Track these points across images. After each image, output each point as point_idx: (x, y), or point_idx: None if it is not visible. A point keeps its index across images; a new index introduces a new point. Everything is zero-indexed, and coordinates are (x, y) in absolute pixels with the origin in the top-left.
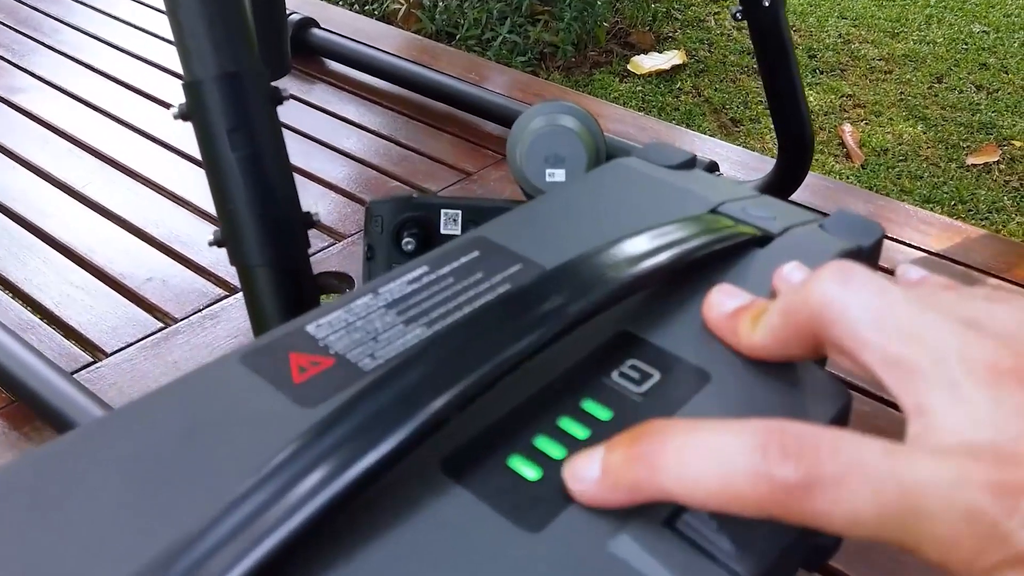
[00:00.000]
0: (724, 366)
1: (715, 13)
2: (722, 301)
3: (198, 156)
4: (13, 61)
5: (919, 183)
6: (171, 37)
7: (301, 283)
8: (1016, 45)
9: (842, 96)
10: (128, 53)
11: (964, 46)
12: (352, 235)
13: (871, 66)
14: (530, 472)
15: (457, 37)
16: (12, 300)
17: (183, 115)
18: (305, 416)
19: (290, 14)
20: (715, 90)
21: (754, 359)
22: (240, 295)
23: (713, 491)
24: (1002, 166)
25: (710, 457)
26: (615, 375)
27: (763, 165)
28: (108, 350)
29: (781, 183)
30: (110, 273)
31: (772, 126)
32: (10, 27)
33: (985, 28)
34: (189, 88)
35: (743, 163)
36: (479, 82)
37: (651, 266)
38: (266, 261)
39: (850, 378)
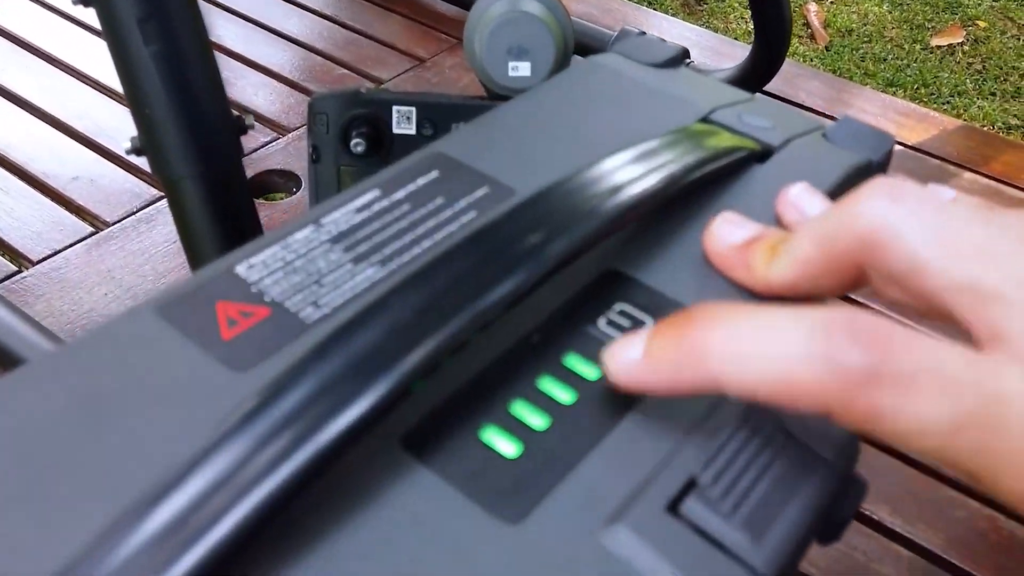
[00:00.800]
0: None
1: None
2: (728, 231)
3: None
4: None
5: (883, 66)
6: None
7: (235, 196)
8: None
9: None
10: None
11: None
12: (296, 128)
13: None
14: (507, 447)
15: None
16: None
17: None
18: (238, 383)
19: None
20: None
21: (767, 297)
22: None
23: (766, 375)
24: (966, 47)
25: (766, 338)
26: (601, 323)
27: (734, 51)
28: (34, 258)
29: (755, 72)
30: (31, 172)
31: (735, 5)
32: None
33: None
34: None
35: (712, 48)
36: None
37: (643, 192)
38: (192, 173)
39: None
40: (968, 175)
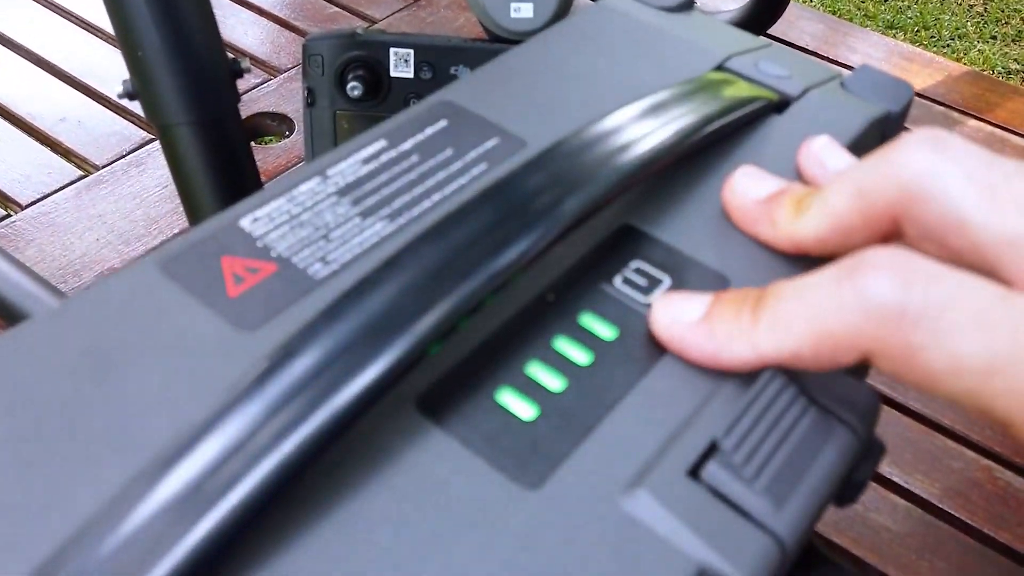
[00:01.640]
0: (745, 267)
1: None
2: (750, 185)
3: None
4: None
5: (883, 8)
6: None
7: (232, 142)
8: None
9: None
10: None
11: None
12: (288, 69)
13: None
14: (524, 410)
15: None
16: None
17: None
18: (246, 342)
19: None
20: None
21: (793, 254)
22: None
23: (804, 334)
24: None
25: (801, 297)
26: (618, 281)
27: None
28: (23, 202)
29: (759, 14)
30: (17, 113)
31: None
32: None
33: None
34: None
35: None
36: None
37: (661, 145)
38: (187, 119)
39: None
40: (973, 122)
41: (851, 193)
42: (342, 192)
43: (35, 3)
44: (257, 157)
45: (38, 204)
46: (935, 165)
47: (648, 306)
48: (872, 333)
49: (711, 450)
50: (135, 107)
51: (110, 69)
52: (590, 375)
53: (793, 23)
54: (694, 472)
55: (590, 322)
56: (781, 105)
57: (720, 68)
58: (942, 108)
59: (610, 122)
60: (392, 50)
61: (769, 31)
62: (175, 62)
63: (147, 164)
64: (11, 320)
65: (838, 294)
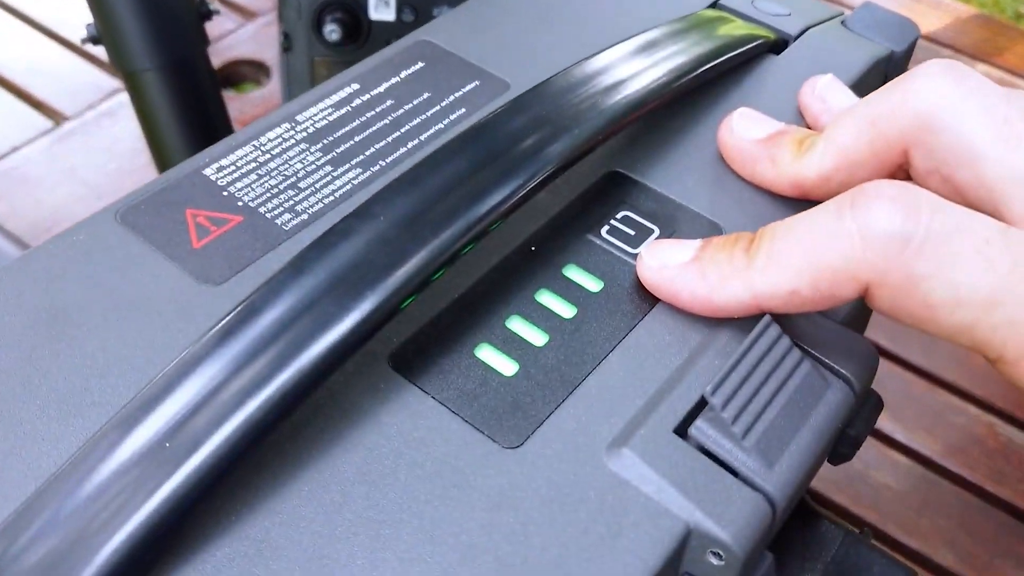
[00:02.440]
0: (739, 215)
1: None
2: (749, 126)
3: None
4: None
5: None
6: None
7: (202, 88)
8: None
9: None
10: None
11: None
12: (266, 13)
13: None
14: (504, 365)
15: None
16: None
17: None
18: (210, 297)
19: None
20: None
21: (792, 195)
22: None
23: (802, 268)
24: None
25: (799, 230)
26: (604, 231)
27: None
28: None
29: None
30: None
31: None
32: None
33: None
34: None
35: None
36: None
37: (651, 86)
38: (153, 64)
39: None
40: (981, 66)
41: (861, 124)
42: (312, 139)
43: None
44: (234, 106)
45: (7, 157)
46: (952, 95)
47: (636, 256)
48: (873, 263)
49: (700, 406)
50: (102, 53)
51: (80, 15)
52: (574, 329)
53: None
54: (682, 430)
55: (575, 274)
56: (779, 45)
57: (714, 5)
58: (949, 51)
59: (598, 62)
60: None
61: None
62: (139, 3)
63: (119, 114)
64: None
65: (839, 225)
